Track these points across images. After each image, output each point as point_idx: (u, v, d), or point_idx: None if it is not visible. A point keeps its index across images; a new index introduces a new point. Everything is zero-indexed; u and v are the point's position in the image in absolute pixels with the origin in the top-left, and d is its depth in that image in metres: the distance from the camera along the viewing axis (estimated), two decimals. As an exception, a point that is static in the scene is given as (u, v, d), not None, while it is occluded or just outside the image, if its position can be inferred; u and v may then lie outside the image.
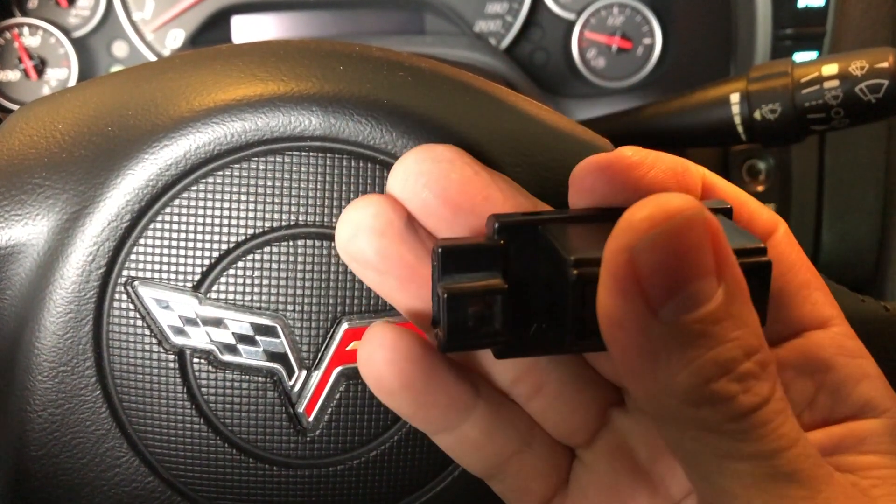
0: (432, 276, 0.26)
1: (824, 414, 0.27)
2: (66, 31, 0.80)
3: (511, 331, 0.24)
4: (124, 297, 0.30)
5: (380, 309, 0.30)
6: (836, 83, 0.49)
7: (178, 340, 0.30)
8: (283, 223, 0.30)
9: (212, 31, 0.81)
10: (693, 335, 0.20)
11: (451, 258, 0.24)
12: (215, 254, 0.30)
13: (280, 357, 0.30)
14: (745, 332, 0.21)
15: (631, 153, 0.26)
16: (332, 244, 0.30)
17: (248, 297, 0.30)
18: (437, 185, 0.27)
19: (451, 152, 0.27)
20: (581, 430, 0.29)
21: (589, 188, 0.26)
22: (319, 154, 0.30)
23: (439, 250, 0.24)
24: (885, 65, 0.48)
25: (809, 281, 0.27)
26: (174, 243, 0.30)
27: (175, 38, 0.81)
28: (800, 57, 0.68)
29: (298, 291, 0.30)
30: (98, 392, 0.30)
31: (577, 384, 0.28)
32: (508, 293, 0.24)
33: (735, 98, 0.54)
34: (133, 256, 0.30)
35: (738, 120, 0.54)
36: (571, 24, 0.81)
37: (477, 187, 0.27)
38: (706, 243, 0.20)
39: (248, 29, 0.80)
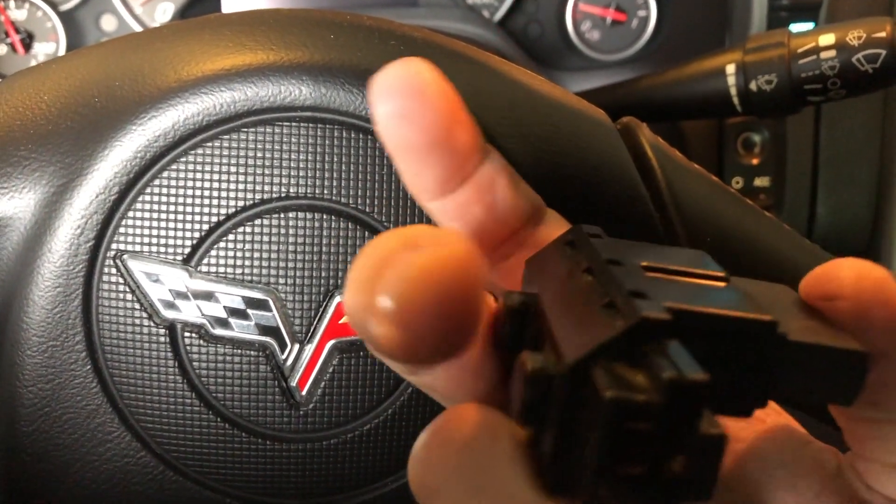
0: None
1: None
2: (54, 5, 0.78)
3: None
4: (114, 270, 0.30)
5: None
6: (832, 53, 0.49)
7: (169, 314, 0.30)
8: (274, 195, 0.30)
9: (201, 4, 0.80)
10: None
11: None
12: (205, 226, 0.30)
13: (272, 331, 0.30)
14: None
15: None
16: (324, 216, 0.30)
17: (239, 271, 0.30)
18: None
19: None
20: None
21: None
22: (310, 124, 0.29)
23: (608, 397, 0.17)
24: (882, 34, 0.48)
25: None
26: (164, 216, 0.30)
27: (164, 12, 0.79)
28: (796, 27, 0.67)
29: (290, 264, 0.30)
30: (88, 367, 0.30)
31: None
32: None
33: (731, 69, 0.53)
34: (122, 229, 0.29)
35: (734, 91, 0.53)
36: (566, -4, 0.80)
37: None
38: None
39: (237, 1, 0.79)
